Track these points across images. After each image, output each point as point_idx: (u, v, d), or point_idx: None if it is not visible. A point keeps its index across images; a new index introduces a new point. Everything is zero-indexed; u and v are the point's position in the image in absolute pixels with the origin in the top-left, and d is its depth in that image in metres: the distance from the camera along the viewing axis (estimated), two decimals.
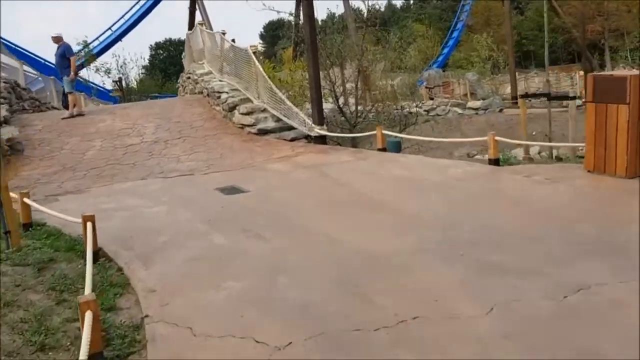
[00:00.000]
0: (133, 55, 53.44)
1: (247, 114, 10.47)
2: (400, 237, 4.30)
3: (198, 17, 40.74)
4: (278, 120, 10.25)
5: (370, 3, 14.35)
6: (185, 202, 6.21)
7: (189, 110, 11.96)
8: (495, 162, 6.59)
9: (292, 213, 5.43)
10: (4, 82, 12.55)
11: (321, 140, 9.39)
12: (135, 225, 5.35)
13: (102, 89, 36.98)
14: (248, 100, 10.95)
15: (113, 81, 31.78)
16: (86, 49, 29.05)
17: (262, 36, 68.80)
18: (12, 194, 5.02)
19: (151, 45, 63.70)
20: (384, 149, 8.37)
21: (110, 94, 33.29)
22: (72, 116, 11.65)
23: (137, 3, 39.77)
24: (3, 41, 32.58)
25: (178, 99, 13.54)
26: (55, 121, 11.36)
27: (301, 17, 14.61)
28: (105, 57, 36.82)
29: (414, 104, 20.98)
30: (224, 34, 12.51)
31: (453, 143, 18.77)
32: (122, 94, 31.43)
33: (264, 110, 10.48)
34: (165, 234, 5.01)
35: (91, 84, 32.68)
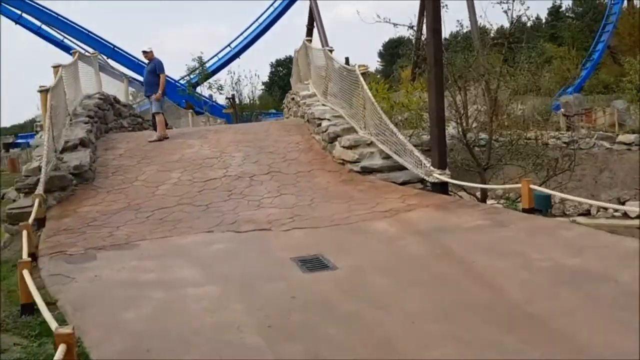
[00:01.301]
0: (248, 72, 54.17)
1: (350, 147, 8.59)
2: None
3: (316, 36, 40.26)
4: (387, 157, 8.26)
5: (514, 14, 11.78)
6: (247, 282, 4.43)
7: (285, 138, 10.36)
8: None
9: (395, 328, 3.42)
10: (98, 99, 11.84)
11: (441, 188, 7.24)
12: (163, 327, 3.64)
13: (216, 104, 37.43)
14: (352, 130, 9.08)
15: (226, 98, 31.77)
16: (200, 67, 29.15)
17: (380, 54, 67.42)
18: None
19: (271, 62, 64.90)
20: (531, 210, 6.03)
21: (223, 110, 33.37)
22: (159, 139, 10.56)
23: (256, 21, 40.03)
24: (120, 57, 34.04)
25: (276, 124, 12.06)
26: (141, 144, 10.30)
27: (424, 31, 12.56)
28: (222, 74, 37.35)
29: (551, 134, 17.98)
30: (330, 51, 10.82)
31: (600, 184, 15.69)
32: (235, 111, 31.25)
33: (371, 144, 8.54)
34: (196, 350, 3.24)
35: (205, 99, 33.03)
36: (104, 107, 11.98)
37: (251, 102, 33.28)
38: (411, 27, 14.17)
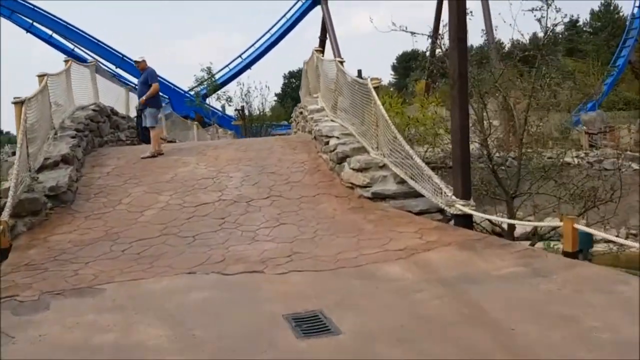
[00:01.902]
0: (258, 83, 53.51)
1: (361, 170, 7.65)
2: None
3: (328, 48, 39.52)
4: (401, 182, 7.31)
5: (549, 23, 10.73)
6: (223, 351, 3.49)
7: (289, 156, 9.45)
8: None
9: None
10: (93, 110, 11.04)
11: (464, 221, 6.26)
12: None
13: (225, 116, 36.73)
14: (363, 150, 8.16)
15: (235, 109, 31.04)
16: (209, 79, 28.39)
17: (394, 67, 66.70)
18: None
19: (284, 73, 64.41)
20: (574, 254, 5.04)
21: (232, 122, 32.62)
22: (153, 156, 9.71)
23: (268, 31, 39.41)
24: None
25: (281, 141, 11.17)
26: (133, 160, 9.45)
27: (442, 41, 11.63)
28: (233, 85, 36.67)
29: (575, 154, 16.93)
30: (341, 62, 9.93)
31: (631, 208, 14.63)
32: (244, 123, 30.48)
33: (384, 166, 7.60)
34: None
35: (213, 110, 32.30)
36: (98, 119, 11.18)
37: (261, 113, 32.51)
38: (430, 37, 13.18)
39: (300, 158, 9.36)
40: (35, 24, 33.58)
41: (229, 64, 39.71)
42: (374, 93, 7.68)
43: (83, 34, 34.55)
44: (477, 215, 6.43)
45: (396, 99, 17.92)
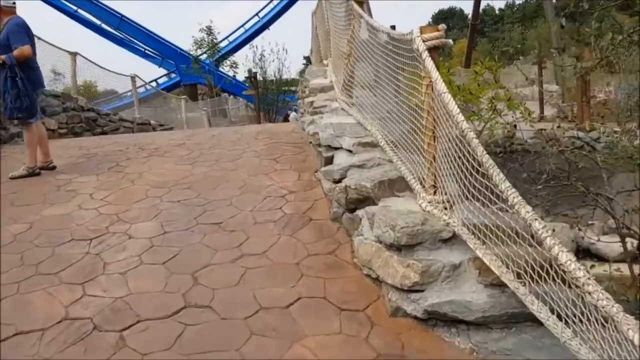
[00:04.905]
0: (274, 46, 48.50)
1: (399, 246, 3.19)
2: None
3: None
4: (497, 283, 2.90)
5: None
6: None
7: (263, 177, 5.13)
8: None
9: None
10: None
11: None
12: None
13: (236, 82, 32.36)
14: (401, 183, 3.75)
15: (246, 77, 26.58)
16: (209, 40, 23.85)
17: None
18: None
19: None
20: None
21: (244, 92, 28.26)
22: (29, 174, 5.55)
23: None
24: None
25: (262, 140, 6.79)
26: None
27: None
28: (245, 51, 32.33)
29: None
30: (360, 2, 5.34)
31: None
32: (257, 92, 26.07)
33: (450, 238, 3.18)
34: None
35: (219, 74, 27.95)
36: None
37: (277, 81, 27.94)
38: None
39: (281, 182, 5.00)
40: None
41: (244, 23, 35.08)
42: (429, 63, 3.19)
43: None
44: None
45: (443, 66, 13.25)
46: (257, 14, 34.85)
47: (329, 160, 4.55)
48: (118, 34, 31.52)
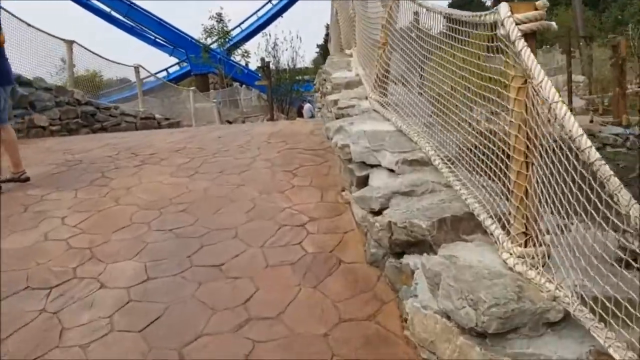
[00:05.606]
0: (288, 34, 46.94)
1: (486, 335, 2.19)
2: None
3: None
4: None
5: None
6: None
7: (277, 197, 4.11)
8: None
9: None
10: None
11: None
12: None
13: (248, 71, 31.31)
14: (470, 219, 2.70)
15: (258, 67, 25.50)
16: (219, 27, 22.74)
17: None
18: None
19: (327, 23, 57.83)
20: None
21: (256, 82, 27.18)
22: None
23: None
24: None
25: (275, 146, 5.74)
26: None
27: None
28: (257, 39, 31.20)
29: None
30: None
31: None
32: (270, 83, 24.94)
33: (562, 320, 2.15)
34: None
35: (231, 62, 26.86)
36: None
37: (291, 70, 26.81)
38: None
39: (299, 205, 3.97)
40: None
41: (257, 11, 33.92)
42: (527, 55, 2.12)
43: None
44: None
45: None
46: (270, 1, 33.72)
47: (363, 181, 3.50)
48: (128, 22, 30.60)
